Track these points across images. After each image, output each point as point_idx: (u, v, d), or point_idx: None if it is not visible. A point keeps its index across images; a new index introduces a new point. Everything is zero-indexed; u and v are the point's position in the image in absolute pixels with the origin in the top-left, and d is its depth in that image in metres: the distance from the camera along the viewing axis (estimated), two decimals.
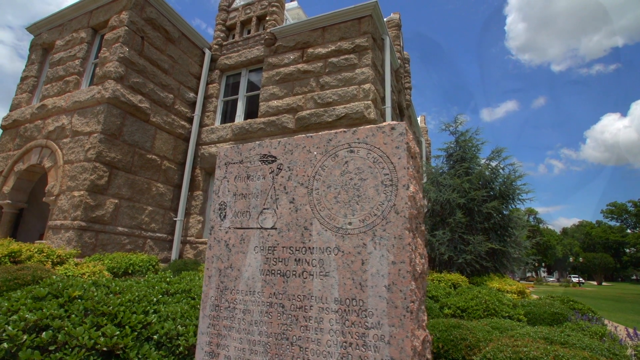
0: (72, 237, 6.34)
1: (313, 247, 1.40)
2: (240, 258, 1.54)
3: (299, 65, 8.50)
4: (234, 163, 1.66)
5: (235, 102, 9.63)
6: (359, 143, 1.40)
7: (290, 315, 1.36)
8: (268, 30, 9.16)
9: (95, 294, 2.66)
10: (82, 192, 6.60)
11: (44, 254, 5.20)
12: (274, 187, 1.52)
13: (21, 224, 8.82)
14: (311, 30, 8.63)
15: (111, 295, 2.76)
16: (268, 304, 1.42)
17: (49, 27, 9.38)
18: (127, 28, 7.69)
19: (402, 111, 11.55)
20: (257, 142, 1.65)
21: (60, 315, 2.36)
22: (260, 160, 1.58)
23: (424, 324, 1.25)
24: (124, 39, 7.60)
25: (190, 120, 9.31)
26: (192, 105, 9.46)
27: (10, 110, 8.99)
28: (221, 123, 9.51)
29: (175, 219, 8.50)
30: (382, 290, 1.23)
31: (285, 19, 10.75)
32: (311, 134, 1.53)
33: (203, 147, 9.11)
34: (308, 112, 8.02)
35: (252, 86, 9.62)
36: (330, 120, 7.69)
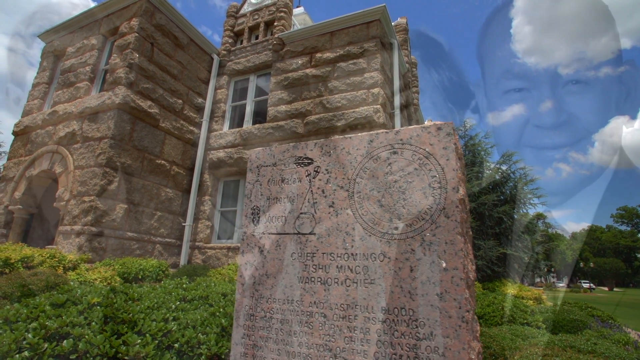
0: (83, 242, 6.32)
1: (356, 254, 1.33)
2: (276, 265, 1.47)
3: (307, 70, 8.49)
4: (266, 166, 1.60)
5: (243, 107, 9.63)
6: (402, 144, 1.33)
7: (333, 326, 1.28)
8: (276, 35, 9.19)
9: (114, 300, 2.61)
10: (92, 197, 6.59)
11: (56, 259, 5.19)
12: (312, 191, 1.46)
13: (31, 229, 8.83)
14: (319, 35, 8.64)
15: (130, 302, 2.70)
16: (308, 313, 1.35)
17: (60, 35, 9.49)
18: (137, 34, 7.74)
19: (410, 115, 11.50)
20: (292, 144, 1.59)
21: (80, 322, 2.30)
22: (295, 163, 1.52)
23: (477, 335, 1.18)
24: (134, 45, 7.65)
25: (198, 126, 9.32)
26: (201, 110, 9.47)
27: (22, 117, 9.06)
28: (229, 128, 9.50)
29: (184, 224, 8.47)
30: (434, 299, 1.16)
31: (293, 24, 10.79)
32: (349, 135, 1.47)
33: (212, 152, 9.10)
34: (317, 116, 7.99)
35: (260, 91, 9.62)
36: (339, 124, 7.65)
